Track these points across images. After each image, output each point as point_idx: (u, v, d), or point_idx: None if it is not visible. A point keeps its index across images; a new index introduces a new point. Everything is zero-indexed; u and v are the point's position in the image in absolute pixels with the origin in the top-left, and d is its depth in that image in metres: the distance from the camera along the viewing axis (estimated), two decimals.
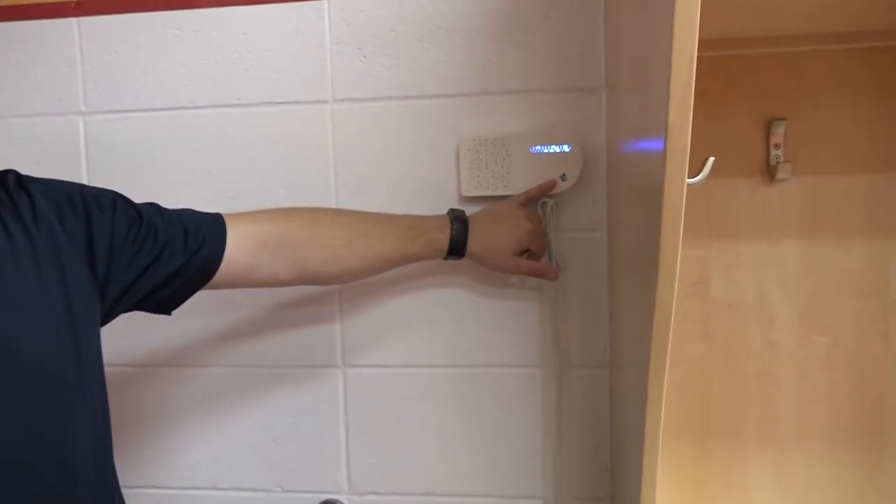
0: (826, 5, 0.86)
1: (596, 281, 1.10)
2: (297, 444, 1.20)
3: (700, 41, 0.55)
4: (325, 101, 1.13)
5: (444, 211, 1.05)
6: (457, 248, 0.99)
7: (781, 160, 1.01)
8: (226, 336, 1.20)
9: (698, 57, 0.56)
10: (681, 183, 0.56)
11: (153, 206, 0.87)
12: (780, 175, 1.00)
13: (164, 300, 0.86)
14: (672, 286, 0.62)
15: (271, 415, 1.20)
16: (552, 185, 1.06)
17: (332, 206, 1.15)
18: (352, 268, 0.96)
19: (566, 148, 1.06)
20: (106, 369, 0.78)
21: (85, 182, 1.19)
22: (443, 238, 0.99)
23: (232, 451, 1.22)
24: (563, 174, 1.06)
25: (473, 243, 1.00)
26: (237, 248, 0.89)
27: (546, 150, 1.06)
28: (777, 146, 1.01)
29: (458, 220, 1.00)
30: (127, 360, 1.21)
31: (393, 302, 1.15)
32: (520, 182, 1.07)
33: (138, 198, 0.87)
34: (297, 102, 1.14)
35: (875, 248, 1.03)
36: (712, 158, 0.64)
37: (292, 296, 1.18)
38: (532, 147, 1.07)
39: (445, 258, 1.01)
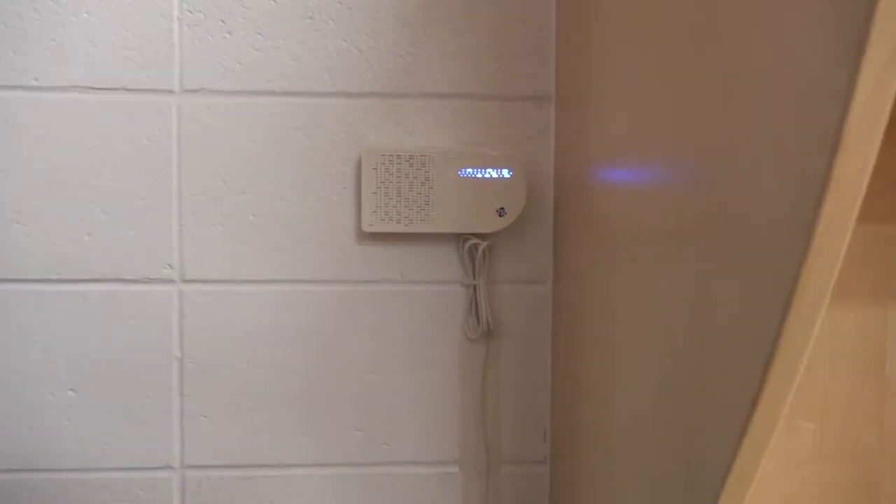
0: None
1: (536, 349, 0.85)
2: None
3: None
4: (170, 91, 0.80)
5: (334, 252, 0.76)
6: None
7: None
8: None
9: None
10: (843, 230, 0.31)
11: None
12: None
13: None
14: (791, 384, 0.36)
15: None
16: None
17: (174, 239, 0.81)
18: None
19: (506, 173, 0.80)
20: None
21: None
22: None
23: None
24: (502, 207, 0.80)
25: None
26: None
27: (480, 175, 0.80)
28: None
29: None
30: None
31: (258, 376, 0.82)
32: (444, 215, 0.80)
33: None
34: (127, 90, 0.80)
35: (869, 315, 0.84)
36: None
37: (113, 357, 0.81)
38: (461, 169, 0.79)
39: None
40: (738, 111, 0.40)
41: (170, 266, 0.81)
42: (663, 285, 0.52)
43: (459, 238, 0.82)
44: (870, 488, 0.86)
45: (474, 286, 0.82)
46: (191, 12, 0.80)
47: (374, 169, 0.79)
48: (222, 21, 0.80)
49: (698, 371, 0.46)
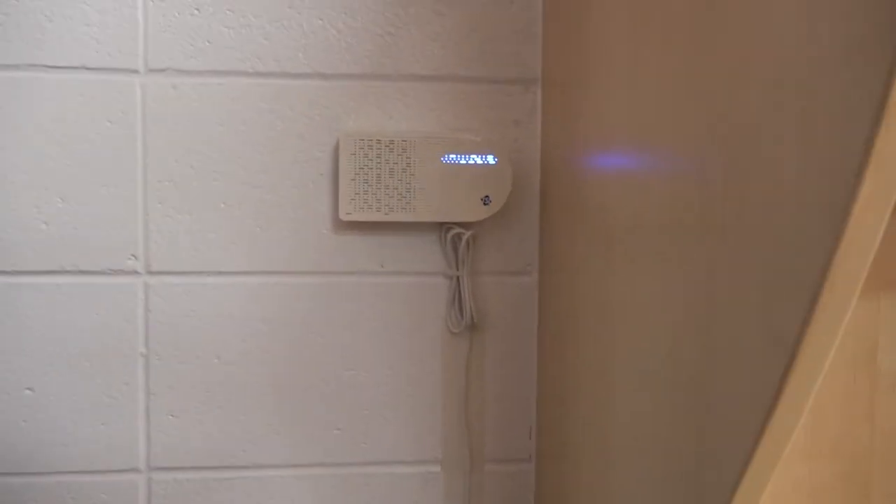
0: None
1: (521, 343, 0.82)
2: None
3: None
4: (135, 71, 0.76)
5: (310, 242, 0.75)
6: None
7: None
8: None
9: None
10: (883, 211, 0.28)
11: None
12: None
13: None
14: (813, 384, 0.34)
15: None
16: None
17: (139, 228, 0.76)
18: None
19: (491, 159, 0.76)
20: None
21: None
22: None
23: None
24: (486, 195, 0.77)
25: None
26: None
27: (463, 161, 0.76)
28: None
29: None
30: None
31: (229, 373, 0.78)
32: (426, 203, 0.76)
33: None
34: (87, 69, 0.75)
35: (861, 308, 0.82)
36: None
37: (77, 362, 0.77)
38: (444, 155, 0.76)
39: None
40: (759, 87, 0.36)
41: (134, 257, 0.77)
42: (667, 278, 0.49)
43: (442, 227, 0.79)
44: (861, 485, 0.84)
45: (457, 277, 0.79)
46: None
47: (353, 154, 0.76)
48: None
49: (707, 369, 0.43)
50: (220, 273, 0.77)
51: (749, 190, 0.37)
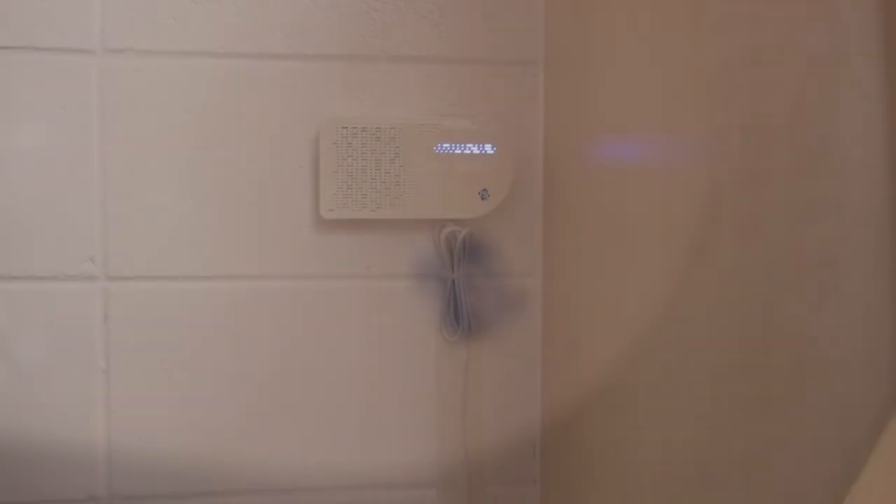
0: None
1: (524, 352, 0.78)
2: None
3: None
4: (89, 52, 0.71)
5: (288, 242, 0.72)
6: None
7: None
8: None
9: None
10: None
11: None
12: None
13: None
14: None
15: None
16: None
17: (96, 228, 0.70)
18: None
19: (489, 149, 0.73)
20: None
21: None
22: None
23: None
24: (484, 189, 0.73)
25: None
26: None
27: (459, 151, 0.73)
28: None
29: None
30: None
31: (200, 389, 0.74)
32: (417, 198, 0.72)
33: None
34: (36, 49, 0.70)
35: None
36: None
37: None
38: (437, 144, 0.72)
39: None
40: (824, 42, 0.29)
41: (91, 260, 0.72)
42: (699, 277, 0.42)
43: (435, 225, 0.76)
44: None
45: (452, 280, 0.75)
46: None
47: (335, 144, 0.72)
48: None
49: (774, 384, 0.36)
50: (187, 278, 0.73)
51: (826, 167, 0.30)
